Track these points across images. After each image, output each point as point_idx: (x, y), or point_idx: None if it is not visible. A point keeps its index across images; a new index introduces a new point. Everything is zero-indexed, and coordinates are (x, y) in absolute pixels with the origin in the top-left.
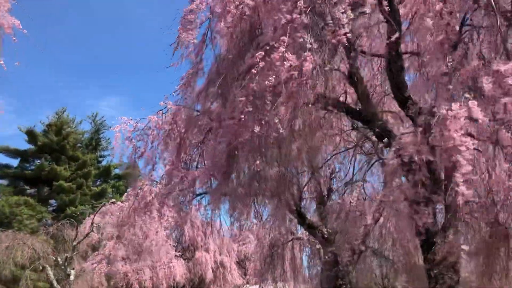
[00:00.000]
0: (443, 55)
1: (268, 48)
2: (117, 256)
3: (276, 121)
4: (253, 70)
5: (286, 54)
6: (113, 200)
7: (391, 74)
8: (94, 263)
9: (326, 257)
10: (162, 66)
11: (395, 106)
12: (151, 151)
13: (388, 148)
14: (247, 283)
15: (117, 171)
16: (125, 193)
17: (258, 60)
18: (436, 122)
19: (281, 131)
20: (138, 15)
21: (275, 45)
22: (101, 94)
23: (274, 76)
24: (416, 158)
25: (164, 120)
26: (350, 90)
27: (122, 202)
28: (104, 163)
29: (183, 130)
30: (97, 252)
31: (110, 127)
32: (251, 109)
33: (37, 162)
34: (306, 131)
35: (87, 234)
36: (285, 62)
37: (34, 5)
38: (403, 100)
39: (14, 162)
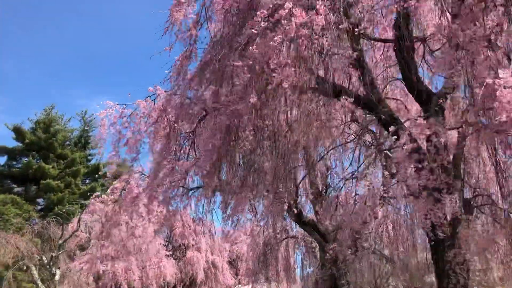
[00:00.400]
0: (474, 19)
1: (271, 6)
2: (105, 255)
3: (286, 86)
4: (253, 31)
5: (293, 10)
6: (98, 193)
7: (400, 55)
8: (81, 262)
9: (328, 254)
10: (155, 64)
11: (397, 95)
12: (137, 136)
13: (395, 136)
14: (239, 283)
15: (107, 169)
16: (110, 187)
17: (260, 19)
18: (482, 94)
19: (291, 97)
20: (134, 16)
21: (279, 2)
22: (93, 94)
23: (279, 36)
24: (434, 141)
25: (153, 107)
26: (352, 78)
27: (107, 196)
28: (93, 161)
29: (173, 119)
30: (85, 251)
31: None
32: (249, 75)
33: (25, 160)
34: (305, 121)
35: (74, 232)
36: (292, 19)
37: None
38: (414, 83)
39: (1, 160)
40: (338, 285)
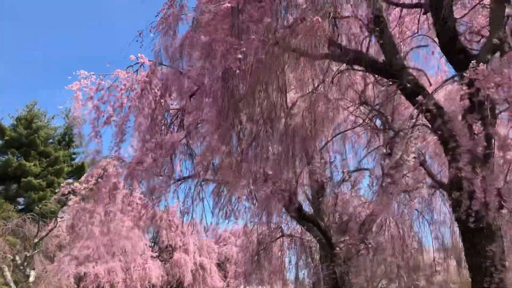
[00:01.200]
0: None
1: None
2: (86, 256)
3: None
4: None
5: None
6: (70, 180)
7: (436, 8)
8: (61, 263)
9: (337, 248)
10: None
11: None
12: (121, 115)
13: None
14: (228, 286)
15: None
16: (85, 174)
17: None
18: None
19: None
20: (131, 15)
21: None
22: None
23: None
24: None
25: (136, 79)
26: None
27: (80, 184)
28: (77, 160)
29: (159, 93)
30: (65, 251)
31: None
32: None
33: (4, 157)
34: (309, 102)
35: (50, 230)
36: None
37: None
38: (451, 42)
39: None
40: (340, 285)
